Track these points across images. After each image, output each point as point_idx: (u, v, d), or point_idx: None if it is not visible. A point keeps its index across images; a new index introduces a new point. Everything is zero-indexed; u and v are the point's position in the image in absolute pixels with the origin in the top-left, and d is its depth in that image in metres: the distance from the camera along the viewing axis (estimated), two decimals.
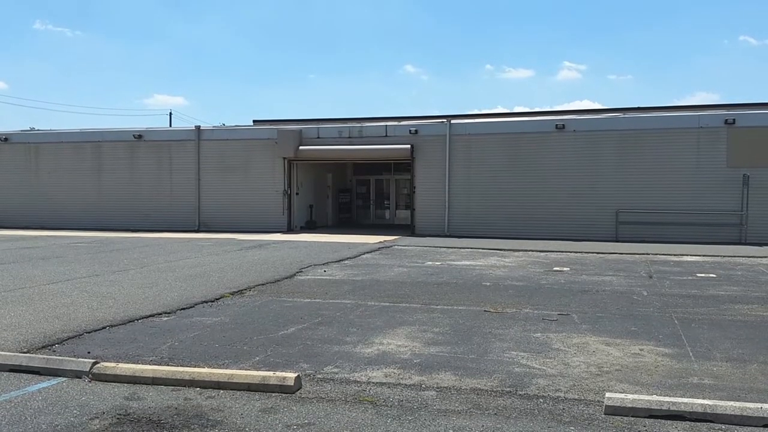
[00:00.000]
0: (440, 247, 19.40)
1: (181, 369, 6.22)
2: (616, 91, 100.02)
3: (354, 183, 31.43)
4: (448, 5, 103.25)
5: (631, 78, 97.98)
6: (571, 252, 18.00)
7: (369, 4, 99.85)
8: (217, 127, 28.29)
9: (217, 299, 10.33)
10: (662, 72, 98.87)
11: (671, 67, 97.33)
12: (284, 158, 25.42)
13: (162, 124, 54.90)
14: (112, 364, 6.32)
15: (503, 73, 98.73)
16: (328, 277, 12.93)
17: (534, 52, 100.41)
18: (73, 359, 6.47)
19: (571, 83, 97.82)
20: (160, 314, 9.10)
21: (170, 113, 62.68)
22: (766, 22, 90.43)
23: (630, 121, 22.69)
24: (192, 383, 5.91)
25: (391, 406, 5.44)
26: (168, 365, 6.48)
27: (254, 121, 32.18)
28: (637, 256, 17.18)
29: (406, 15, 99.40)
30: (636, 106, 28.02)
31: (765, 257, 16.94)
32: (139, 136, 27.26)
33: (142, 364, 6.49)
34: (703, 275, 13.47)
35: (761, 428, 4.94)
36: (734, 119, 21.16)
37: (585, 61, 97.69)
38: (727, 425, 4.96)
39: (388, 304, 10.00)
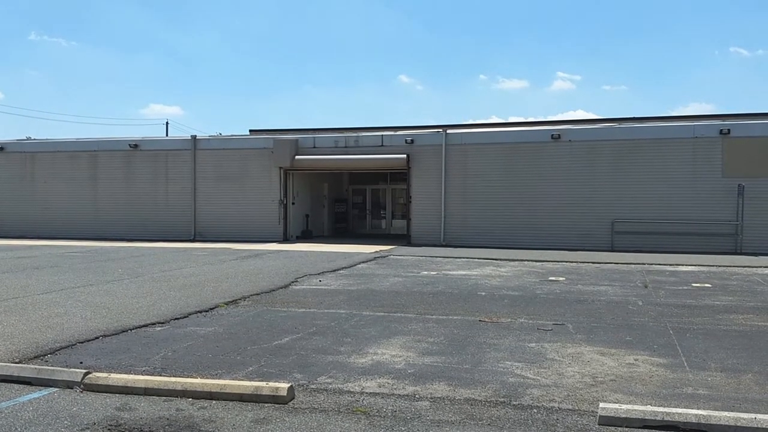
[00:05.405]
0: (436, 256, 19.38)
1: (173, 379, 6.18)
2: (610, 101, 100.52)
3: (350, 192, 31.44)
4: (441, 16, 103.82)
5: (625, 89, 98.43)
6: (566, 262, 18.01)
7: (362, 15, 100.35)
8: (214, 136, 28.29)
9: (211, 309, 10.29)
10: (656, 82, 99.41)
11: (665, 77, 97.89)
12: (280, 168, 25.44)
13: (158, 133, 54.87)
14: (104, 375, 6.28)
15: (497, 84, 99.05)
16: (323, 287, 12.90)
17: (528, 62, 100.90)
18: (65, 369, 6.43)
19: (565, 93, 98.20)
20: (154, 324, 9.06)
21: (167, 123, 62.68)
22: (756, 34, 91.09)
23: (625, 131, 22.77)
24: (184, 394, 5.87)
25: (384, 416, 5.41)
26: (161, 375, 6.43)
27: (250, 131, 32.20)
28: (633, 265, 17.18)
29: (400, 26, 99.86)
30: (631, 116, 28.14)
31: (760, 267, 16.96)
32: (135, 145, 27.27)
33: (135, 374, 6.45)
34: (698, 285, 13.47)
35: None
36: (729, 129, 21.25)
37: (579, 72, 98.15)
38: None
39: (382, 313, 9.98)
